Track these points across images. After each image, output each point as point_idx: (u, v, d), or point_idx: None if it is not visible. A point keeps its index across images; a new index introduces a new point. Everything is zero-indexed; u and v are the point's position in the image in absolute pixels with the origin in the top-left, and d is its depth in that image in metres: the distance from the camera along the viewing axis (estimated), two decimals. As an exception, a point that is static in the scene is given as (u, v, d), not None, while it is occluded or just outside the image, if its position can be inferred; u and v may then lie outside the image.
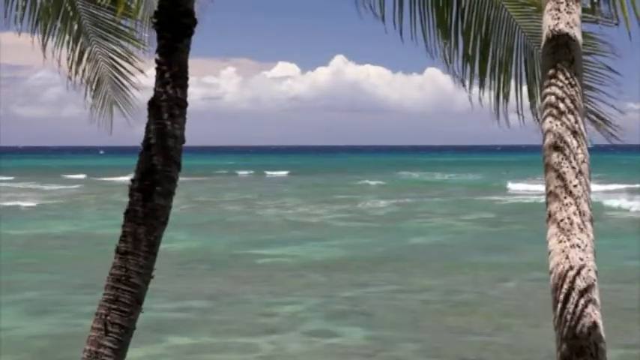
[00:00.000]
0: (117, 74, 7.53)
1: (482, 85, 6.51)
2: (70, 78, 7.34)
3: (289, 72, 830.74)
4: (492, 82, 6.58)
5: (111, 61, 7.44)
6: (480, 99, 6.54)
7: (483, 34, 6.41)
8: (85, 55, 7.36)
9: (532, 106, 6.75)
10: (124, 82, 7.56)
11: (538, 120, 6.71)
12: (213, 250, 33.70)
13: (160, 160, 5.29)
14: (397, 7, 6.01)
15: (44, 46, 7.02)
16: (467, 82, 6.45)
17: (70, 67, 7.31)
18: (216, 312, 21.72)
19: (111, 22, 7.14)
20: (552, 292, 4.11)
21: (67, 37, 7.15)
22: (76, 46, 7.25)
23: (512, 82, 6.66)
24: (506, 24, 6.50)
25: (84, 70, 7.41)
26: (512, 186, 71.38)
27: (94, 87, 7.56)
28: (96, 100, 7.63)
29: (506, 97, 6.67)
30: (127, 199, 5.34)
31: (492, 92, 6.59)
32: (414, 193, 67.76)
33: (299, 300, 23.23)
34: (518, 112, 6.67)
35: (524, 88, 6.74)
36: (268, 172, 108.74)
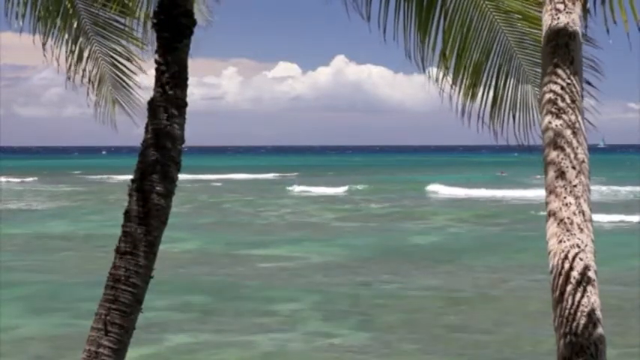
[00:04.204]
0: (118, 72, 7.49)
1: (454, 84, 6.59)
2: (69, 78, 7.30)
3: (290, 72, 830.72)
4: (464, 82, 6.67)
5: (112, 59, 7.41)
6: (450, 98, 6.66)
7: (464, 35, 6.46)
8: (85, 54, 7.31)
9: (492, 112, 6.88)
10: (126, 80, 7.52)
11: (490, 124, 6.86)
12: (213, 250, 33.71)
13: (160, 160, 5.29)
14: (383, 7, 6.08)
15: (44, 44, 6.99)
16: (440, 81, 6.55)
17: (70, 67, 7.27)
18: (216, 312, 21.73)
19: (110, 21, 7.11)
20: (552, 291, 4.12)
21: (66, 35, 7.10)
22: (76, 45, 7.20)
23: (482, 87, 6.78)
24: (489, 27, 6.55)
25: (84, 70, 7.37)
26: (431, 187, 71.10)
27: (95, 85, 7.52)
28: (99, 99, 7.59)
29: (474, 98, 6.75)
30: (127, 199, 5.34)
31: (461, 92, 6.68)
32: (412, 194, 67.85)
33: (299, 299, 23.24)
34: (478, 115, 6.76)
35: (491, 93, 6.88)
36: (269, 172, 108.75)
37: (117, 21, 7.06)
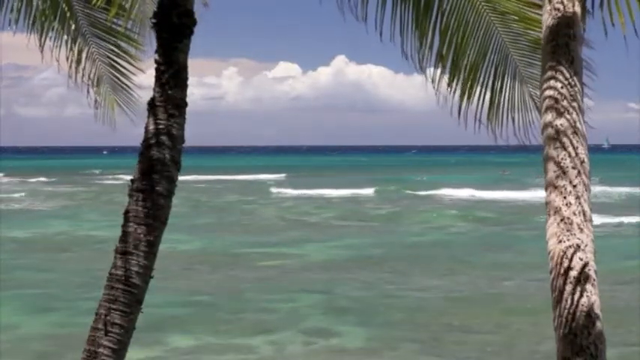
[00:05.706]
0: (116, 73, 7.50)
1: (450, 85, 6.59)
2: (70, 76, 7.31)
3: (290, 72, 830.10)
4: (461, 83, 6.67)
5: (109, 60, 7.42)
6: (446, 99, 6.65)
7: (460, 35, 6.46)
8: (84, 55, 7.33)
9: (489, 113, 6.85)
10: (124, 81, 7.52)
11: (488, 125, 6.85)
12: (213, 251, 33.69)
13: (160, 160, 5.29)
14: (380, 8, 6.09)
15: (42, 46, 7.00)
16: (437, 82, 6.54)
17: (70, 67, 7.28)
18: (216, 312, 21.73)
19: (106, 22, 7.09)
20: (552, 291, 4.12)
21: (65, 37, 7.11)
22: (75, 45, 7.22)
23: (478, 88, 6.77)
24: (485, 28, 6.56)
25: (84, 69, 7.38)
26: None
27: (95, 85, 7.53)
28: (98, 99, 7.60)
29: (470, 99, 6.74)
30: (127, 199, 5.34)
31: (458, 93, 6.67)
32: (409, 195, 67.83)
33: (299, 300, 23.24)
34: (475, 117, 6.76)
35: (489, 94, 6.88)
36: (269, 173, 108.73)
37: (113, 22, 7.05)
